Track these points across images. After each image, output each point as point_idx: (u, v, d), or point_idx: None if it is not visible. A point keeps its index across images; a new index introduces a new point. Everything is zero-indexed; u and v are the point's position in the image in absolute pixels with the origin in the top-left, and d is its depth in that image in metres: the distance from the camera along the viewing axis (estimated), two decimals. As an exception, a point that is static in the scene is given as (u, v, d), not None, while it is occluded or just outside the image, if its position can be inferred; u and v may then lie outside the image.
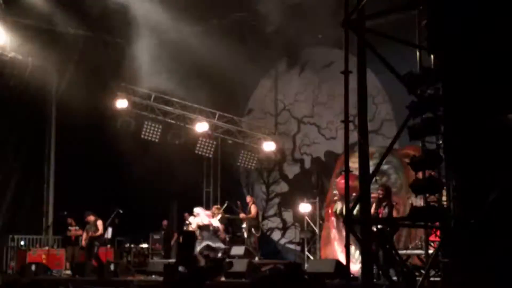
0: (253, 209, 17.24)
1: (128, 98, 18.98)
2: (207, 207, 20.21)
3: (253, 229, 16.99)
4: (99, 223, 16.98)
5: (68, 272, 16.84)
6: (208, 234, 16.59)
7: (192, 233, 17.23)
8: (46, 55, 19.23)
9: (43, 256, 17.34)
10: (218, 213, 17.61)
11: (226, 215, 17.73)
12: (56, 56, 19.58)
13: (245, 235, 17.07)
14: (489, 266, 7.33)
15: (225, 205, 18.13)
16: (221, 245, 16.52)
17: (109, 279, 14.85)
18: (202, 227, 16.68)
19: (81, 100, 18.49)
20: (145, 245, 18.50)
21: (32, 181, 20.05)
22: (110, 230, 17.57)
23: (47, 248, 18.29)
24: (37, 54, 18.97)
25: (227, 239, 17.46)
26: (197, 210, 17.11)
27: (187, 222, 17.25)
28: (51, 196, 20.28)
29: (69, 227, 17.46)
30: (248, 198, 17.86)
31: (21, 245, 18.36)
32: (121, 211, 17.23)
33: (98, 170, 19.06)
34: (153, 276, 15.25)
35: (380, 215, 11.95)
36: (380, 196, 12.63)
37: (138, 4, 16.58)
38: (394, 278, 10.22)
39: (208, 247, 16.41)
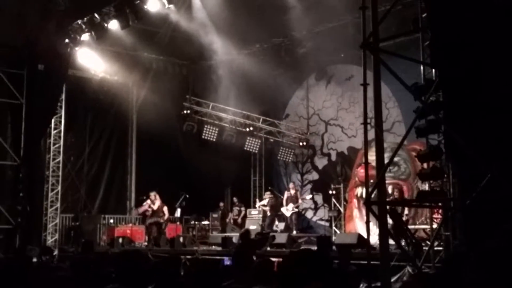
0: (299, 195, 17.41)
1: (191, 107, 19.15)
2: (254, 192, 20.38)
3: (295, 209, 17.10)
4: (165, 208, 17.06)
5: (147, 243, 17.07)
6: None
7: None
8: (128, 75, 19.56)
9: (128, 231, 17.59)
10: (267, 197, 17.70)
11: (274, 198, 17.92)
12: (135, 75, 19.90)
13: (288, 214, 17.11)
14: (481, 238, 7.24)
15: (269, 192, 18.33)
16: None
17: (179, 249, 15.03)
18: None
19: (155, 109, 18.78)
20: (206, 222, 18.65)
21: (119, 173, 20.35)
22: (179, 210, 17.80)
23: (130, 225, 18.57)
24: (121, 74, 19.28)
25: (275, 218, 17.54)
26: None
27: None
28: (133, 184, 20.57)
29: (148, 208, 17.68)
30: (291, 185, 17.93)
31: (111, 223, 18.64)
32: (187, 196, 17.43)
33: (169, 164, 19.27)
34: (213, 246, 15.36)
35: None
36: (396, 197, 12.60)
37: (199, 32, 16.71)
38: (405, 247, 10.14)
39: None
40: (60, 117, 17.68)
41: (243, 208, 18.69)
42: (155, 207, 16.84)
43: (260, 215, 17.59)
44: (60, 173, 17.60)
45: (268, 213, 17.38)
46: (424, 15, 10.01)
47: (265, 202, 17.70)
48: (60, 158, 17.61)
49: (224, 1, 15.04)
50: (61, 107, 17.62)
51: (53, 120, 17.32)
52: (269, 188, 19.32)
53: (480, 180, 7.53)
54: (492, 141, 7.64)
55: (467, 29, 7.91)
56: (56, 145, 17.56)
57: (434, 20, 9.04)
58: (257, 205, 18.19)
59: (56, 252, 16.52)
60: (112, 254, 13.01)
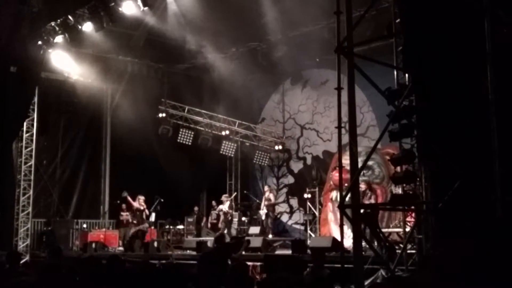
0: (272, 197, 17.34)
1: (167, 111, 19.07)
2: (230, 196, 20.35)
3: (270, 213, 17.07)
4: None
5: (121, 248, 16.92)
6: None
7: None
8: (102, 77, 19.38)
9: (101, 236, 17.42)
10: (227, 201, 17.65)
11: (243, 202, 17.90)
12: (110, 78, 19.74)
13: (263, 217, 17.10)
14: (453, 239, 7.34)
15: (234, 194, 18.83)
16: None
17: (153, 253, 14.93)
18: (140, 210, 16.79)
19: (130, 112, 18.64)
20: (181, 226, 18.56)
21: (93, 178, 20.15)
22: (153, 215, 17.65)
23: (104, 229, 18.39)
24: (95, 76, 19.11)
25: (244, 220, 17.57)
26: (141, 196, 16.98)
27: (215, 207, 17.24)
28: (107, 189, 20.37)
29: (121, 213, 17.58)
30: (266, 188, 17.93)
31: (84, 228, 18.46)
32: (162, 200, 17.30)
33: (144, 168, 19.13)
34: (188, 251, 15.31)
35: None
36: (363, 189, 12.65)
37: (174, 36, 16.67)
38: (379, 251, 10.22)
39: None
40: (33, 120, 17.46)
41: (221, 212, 18.63)
42: (140, 208, 16.81)
43: (236, 219, 17.56)
44: (32, 177, 17.37)
45: (229, 217, 17.41)
46: (397, 21, 10.13)
47: (226, 206, 17.67)
48: (32, 162, 17.38)
49: (200, 5, 15.03)
50: (33, 110, 17.41)
51: (25, 123, 17.10)
52: (245, 192, 19.35)
53: (452, 183, 7.64)
54: (464, 144, 7.76)
55: (439, 34, 8.04)
56: (28, 149, 17.34)
57: (407, 25, 9.17)
58: (224, 207, 17.99)
59: (27, 258, 16.30)
60: (83, 259, 12.89)
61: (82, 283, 5.07)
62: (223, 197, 17.89)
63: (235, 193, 19.86)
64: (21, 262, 15.00)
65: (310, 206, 16.89)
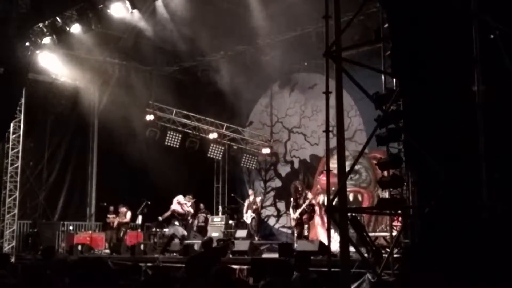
0: (257, 200, 17.30)
1: (154, 113, 18.98)
2: (217, 199, 20.26)
3: (254, 216, 17.00)
4: (128, 214, 17.05)
5: (107, 251, 16.78)
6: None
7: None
8: (90, 79, 19.29)
9: (87, 238, 17.28)
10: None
11: (230, 205, 17.86)
12: (97, 80, 19.64)
13: (248, 221, 17.04)
14: (438, 244, 7.34)
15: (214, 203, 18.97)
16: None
17: (140, 256, 14.82)
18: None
19: (118, 115, 18.50)
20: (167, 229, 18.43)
21: (79, 179, 19.98)
22: (140, 217, 17.55)
23: (90, 232, 18.24)
24: (83, 78, 18.99)
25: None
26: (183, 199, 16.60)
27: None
28: (94, 191, 20.21)
29: (108, 215, 17.45)
30: (251, 191, 17.88)
31: (70, 230, 18.29)
32: (149, 203, 17.19)
33: (131, 170, 18.98)
34: (174, 254, 15.20)
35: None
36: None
37: (162, 39, 16.61)
38: (365, 255, 10.21)
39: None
40: (19, 121, 17.30)
41: (209, 215, 18.55)
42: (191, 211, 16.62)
43: (223, 222, 17.48)
44: (19, 179, 17.19)
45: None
46: (385, 26, 10.14)
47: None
48: (19, 163, 17.21)
49: (189, 8, 14.97)
50: (20, 111, 17.25)
51: (12, 125, 16.92)
52: (232, 195, 19.29)
53: (438, 188, 7.63)
54: (451, 149, 7.76)
55: (427, 39, 8.04)
56: (15, 150, 17.16)
57: (395, 30, 9.17)
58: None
59: (13, 259, 16.11)
60: (72, 261, 12.75)
61: (71, 286, 4.98)
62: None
63: (212, 203, 19.80)
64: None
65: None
